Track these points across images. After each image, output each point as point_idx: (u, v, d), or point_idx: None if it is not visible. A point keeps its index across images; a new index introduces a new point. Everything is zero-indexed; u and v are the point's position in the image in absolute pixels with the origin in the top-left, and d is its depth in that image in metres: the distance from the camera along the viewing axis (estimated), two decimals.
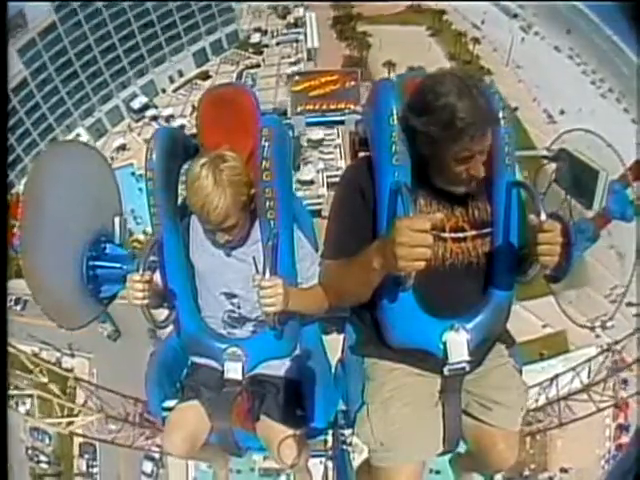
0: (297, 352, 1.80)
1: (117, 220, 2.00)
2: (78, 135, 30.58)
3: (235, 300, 1.66)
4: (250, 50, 36.50)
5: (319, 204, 22.87)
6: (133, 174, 26.88)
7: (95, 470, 20.10)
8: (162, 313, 1.73)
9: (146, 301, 1.45)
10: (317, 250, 1.74)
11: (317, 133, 27.72)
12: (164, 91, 35.41)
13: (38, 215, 1.76)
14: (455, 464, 2.11)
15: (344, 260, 1.39)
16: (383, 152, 1.38)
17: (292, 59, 34.68)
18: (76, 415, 9.78)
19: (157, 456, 17.09)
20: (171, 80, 35.90)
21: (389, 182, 1.35)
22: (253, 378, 1.72)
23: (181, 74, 36.15)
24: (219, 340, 1.69)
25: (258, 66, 35.33)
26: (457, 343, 1.44)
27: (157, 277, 1.63)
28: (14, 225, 1.73)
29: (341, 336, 1.87)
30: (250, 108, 1.70)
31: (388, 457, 1.48)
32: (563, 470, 18.24)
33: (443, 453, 1.64)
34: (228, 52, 37.05)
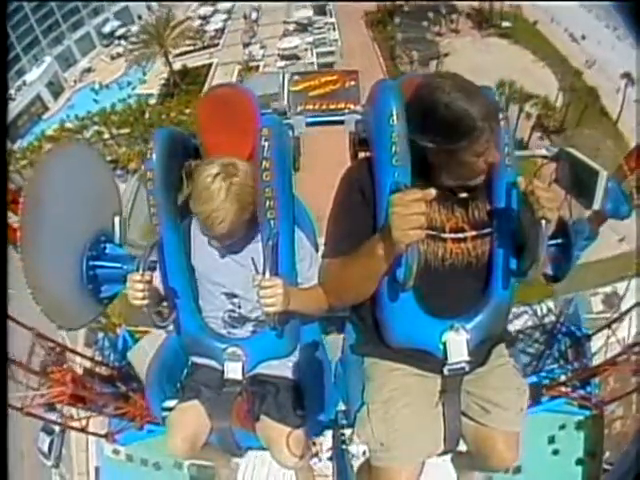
0: (297, 352, 1.80)
1: (117, 220, 2.00)
2: (42, 62, 29.45)
3: (235, 300, 1.67)
4: None
5: None
6: (92, 89, 27.78)
7: None
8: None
9: (146, 301, 1.45)
10: (317, 250, 1.74)
11: (305, 12, 25.96)
12: (140, 17, 32.54)
13: (38, 215, 1.76)
14: (455, 463, 2.12)
15: (347, 256, 1.39)
16: (383, 152, 1.38)
17: None
18: None
19: (57, 429, 11.79)
20: (149, 8, 32.79)
21: (389, 182, 1.35)
22: (253, 378, 1.72)
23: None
24: (219, 340, 1.69)
25: None
26: (457, 343, 1.45)
27: (157, 277, 1.63)
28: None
29: (341, 336, 1.87)
30: (249, 108, 1.69)
31: (388, 457, 1.48)
32: None
33: (443, 453, 1.64)
34: None
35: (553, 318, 7.57)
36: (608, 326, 6.65)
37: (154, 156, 1.59)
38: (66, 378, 6.42)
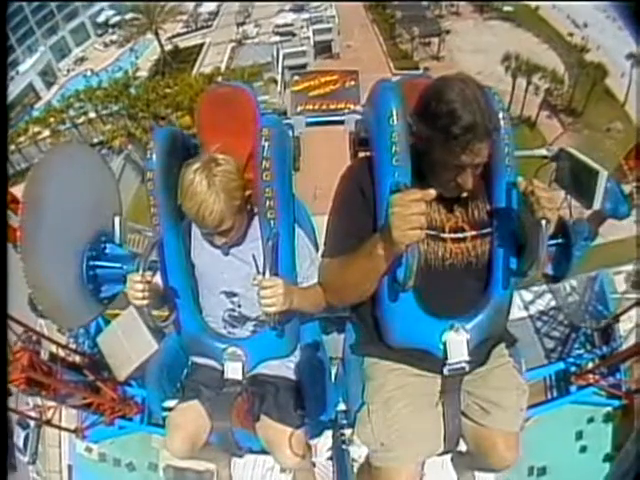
0: (297, 352, 1.80)
1: (117, 220, 2.00)
2: (36, 52, 29.46)
3: (235, 299, 1.67)
4: None
5: (303, 53, 21.57)
6: (85, 76, 27.68)
7: None
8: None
9: (146, 301, 1.45)
10: (317, 249, 1.74)
11: None
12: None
13: (38, 215, 1.76)
14: (455, 463, 2.12)
15: (347, 255, 1.39)
16: (383, 152, 1.38)
17: None
18: None
19: (32, 424, 10.59)
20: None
21: (389, 182, 1.35)
22: (253, 378, 1.72)
23: None
24: (219, 340, 1.69)
25: None
26: (457, 343, 1.45)
27: (157, 277, 1.63)
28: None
29: (341, 336, 1.87)
30: (250, 108, 1.70)
31: (389, 457, 1.48)
32: None
33: (443, 453, 1.64)
34: None
35: (577, 298, 6.98)
36: (638, 304, 6.08)
37: (154, 156, 1.59)
38: (21, 360, 5.61)
